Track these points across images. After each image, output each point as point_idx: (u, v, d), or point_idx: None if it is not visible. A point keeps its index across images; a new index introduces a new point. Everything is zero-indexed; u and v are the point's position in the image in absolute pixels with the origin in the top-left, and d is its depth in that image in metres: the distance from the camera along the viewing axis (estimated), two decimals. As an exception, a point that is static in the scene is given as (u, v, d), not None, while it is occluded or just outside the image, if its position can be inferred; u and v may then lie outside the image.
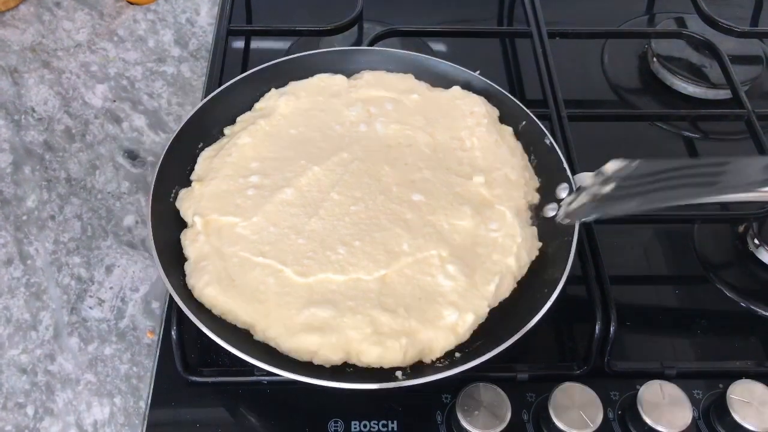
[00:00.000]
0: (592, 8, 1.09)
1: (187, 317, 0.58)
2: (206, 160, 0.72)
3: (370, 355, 0.58)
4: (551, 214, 0.69)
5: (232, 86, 0.77)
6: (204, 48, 1.00)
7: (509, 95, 0.78)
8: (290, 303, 0.61)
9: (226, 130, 0.76)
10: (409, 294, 0.62)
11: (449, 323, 0.60)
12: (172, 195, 0.70)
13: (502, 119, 0.77)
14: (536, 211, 0.70)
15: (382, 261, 0.63)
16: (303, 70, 0.80)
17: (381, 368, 0.58)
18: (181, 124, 0.72)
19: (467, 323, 0.60)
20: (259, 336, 0.60)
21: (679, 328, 0.70)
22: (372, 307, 0.60)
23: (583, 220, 0.63)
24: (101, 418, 0.67)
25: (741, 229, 0.78)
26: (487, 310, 0.62)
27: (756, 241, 0.75)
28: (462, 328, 0.60)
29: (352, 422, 0.62)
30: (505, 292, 0.64)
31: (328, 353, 0.58)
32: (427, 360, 0.59)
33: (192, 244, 0.65)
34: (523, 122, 0.76)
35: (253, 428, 0.63)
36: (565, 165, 0.70)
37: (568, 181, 0.68)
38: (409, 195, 0.68)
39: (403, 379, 0.57)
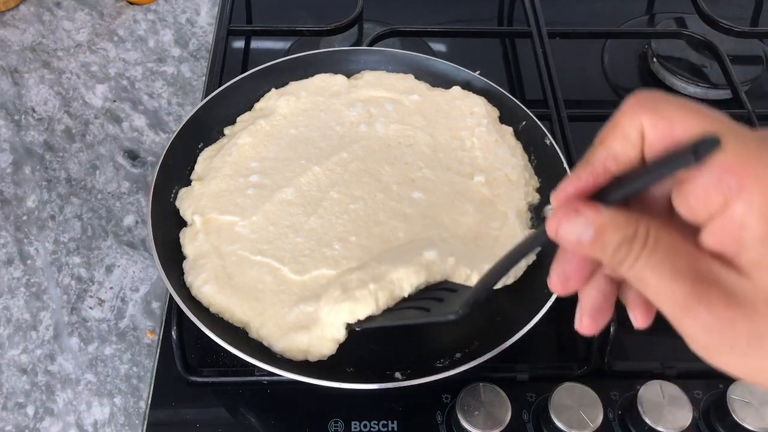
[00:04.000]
0: (592, 8, 1.08)
1: (188, 317, 0.58)
2: (206, 159, 0.72)
3: (342, 313, 0.56)
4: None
5: (232, 86, 0.77)
6: (204, 48, 1.00)
7: (509, 95, 0.77)
8: (284, 301, 0.61)
9: (226, 130, 0.76)
10: (393, 256, 0.60)
11: (426, 260, 0.58)
12: (172, 195, 0.70)
13: (502, 119, 0.77)
14: (536, 211, 0.70)
15: (376, 251, 0.63)
16: (303, 70, 0.80)
17: (381, 368, 0.58)
18: (181, 124, 0.72)
19: (447, 263, 0.58)
20: (253, 334, 0.60)
21: (679, 328, 0.70)
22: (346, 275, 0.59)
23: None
24: (101, 418, 0.67)
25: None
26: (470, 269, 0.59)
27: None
28: (439, 267, 0.58)
29: (352, 422, 0.62)
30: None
31: (319, 347, 0.58)
32: (398, 297, 0.57)
33: (191, 242, 0.65)
34: (523, 122, 0.76)
35: (253, 428, 0.63)
36: (565, 165, 0.70)
37: (568, 181, 0.68)
38: (410, 193, 0.68)
39: (403, 379, 0.57)
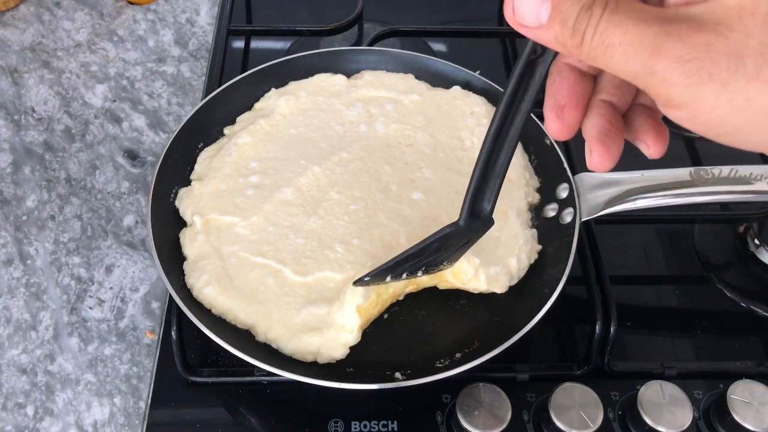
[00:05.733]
0: (592, 8, 1.08)
1: (187, 317, 0.58)
2: (206, 159, 0.72)
3: (348, 300, 0.58)
4: (551, 214, 0.69)
5: (232, 86, 0.77)
6: (204, 48, 1.00)
7: (509, 95, 0.77)
8: (289, 303, 0.61)
9: (226, 130, 0.76)
10: None
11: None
12: (172, 195, 0.70)
13: (502, 119, 0.77)
14: (536, 211, 0.70)
15: (379, 257, 0.63)
16: (303, 70, 0.80)
17: (381, 369, 0.58)
18: (181, 124, 0.72)
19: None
20: (261, 338, 0.60)
21: (679, 328, 0.70)
22: None
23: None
24: (101, 418, 0.67)
25: (741, 229, 0.78)
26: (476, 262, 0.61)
27: (756, 242, 0.75)
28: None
29: (352, 422, 0.62)
30: (498, 284, 0.63)
31: (330, 351, 0.58)
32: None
33: (191, 243, 0.65)
34: (523, 122, 0.76)
35: (253, 428, 0.63)
36: (565, 165, 0.70)
37: (568, 181, 0.68)
38: (409, 193, 0.68)
39: (403, 380, 0.57)
